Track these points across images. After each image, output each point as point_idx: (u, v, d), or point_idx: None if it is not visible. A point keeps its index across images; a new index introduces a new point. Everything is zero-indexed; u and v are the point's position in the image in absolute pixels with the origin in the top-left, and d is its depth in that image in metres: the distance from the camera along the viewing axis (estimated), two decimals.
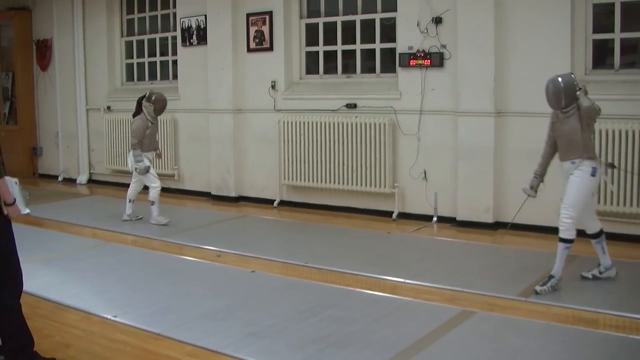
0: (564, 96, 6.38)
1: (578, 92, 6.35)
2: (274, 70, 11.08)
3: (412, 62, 9.57)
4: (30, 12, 14.94)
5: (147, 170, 9.59)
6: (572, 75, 6.51)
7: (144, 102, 9.71)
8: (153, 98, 9.68)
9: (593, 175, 6.39)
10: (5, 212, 4.53)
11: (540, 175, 6.95)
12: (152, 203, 9.71)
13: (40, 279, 7.03)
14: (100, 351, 5.22)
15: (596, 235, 6.66)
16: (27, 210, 4.70)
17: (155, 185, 9.66)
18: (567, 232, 6.39)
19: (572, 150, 6.47)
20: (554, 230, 8.57)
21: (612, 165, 6.94)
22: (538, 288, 6.33)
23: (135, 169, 9.62)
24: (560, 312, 5.88)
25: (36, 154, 15.23)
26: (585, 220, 6.63)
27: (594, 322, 5.65)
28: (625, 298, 6.17)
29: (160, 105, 9.74)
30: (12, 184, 4.59)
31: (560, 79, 6.39)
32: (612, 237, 7.87)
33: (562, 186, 6.60)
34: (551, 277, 6.39)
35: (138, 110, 9.78)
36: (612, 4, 8.44)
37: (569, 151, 6.51)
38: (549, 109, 8.57)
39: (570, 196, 6.40)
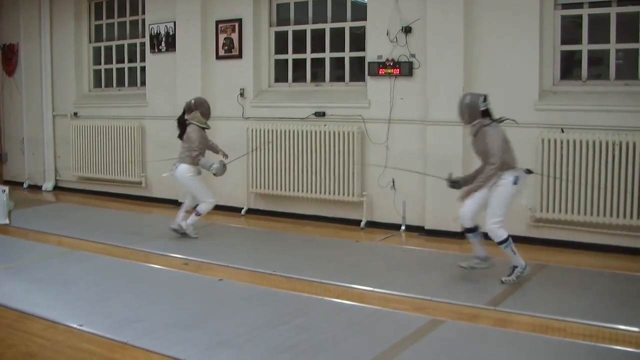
0: (467, 113, 7.02)
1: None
2: (243, 77, 11.06)
3: (381, 71, 9.59)
4: None
5: (224, 166, 9.06)
6: (481, 97, 7.00)
7: (186, 116, 9.19)
8: (192, 104, 9.20)
9: (515, 183, 6.87)
10: None
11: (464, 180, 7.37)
12: (198, 214, 9.21)
13: (5, 287, 6.93)
14: None
15: (471, 230, 7.13)
16: (6, 221, 4.60)
17: (211, 201, 9.17)
18: (498, 237, 6.90)
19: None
20: (522, 240, 8.69)
21: (529, 171, 7.31)
22: (504, 278, 6.94)
23: (214, 174, 9.06)
24: (529, 320, 5.90)
25: (1, 160, 15.03)
26: (473, 213, 7.07)
27: (562, 330, 5.68)
28: (593, 307, 6.20)
29: (204, 108, 9.21)
30: None
31: (468, 97, 7.09)
32: (600, 248, 8.19)
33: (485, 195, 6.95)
34: (515, 267, 6.99)
35: (183, 129, 9.25)
36: (580, 16, 8.54)
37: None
38: (516, 118, 8.67)
39: (494, 206, 6.88)
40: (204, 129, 9.24)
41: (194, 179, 9.13)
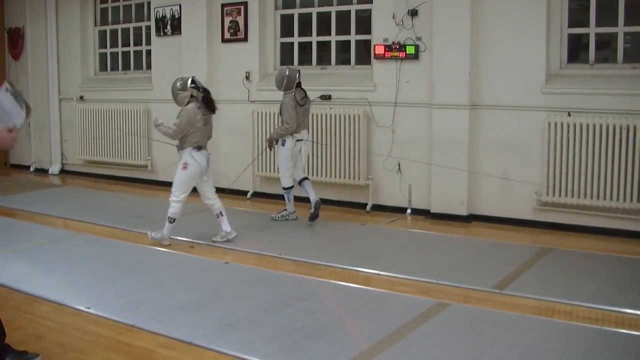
0: (285, 83, 8.88)
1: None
2: (249, 61, 11.03)
3: (387, 54, 9.56)
4: None
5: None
6: (298, 72, 8.97)
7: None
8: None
9: (283, 145, 8.97)
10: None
11: None
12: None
13: (12, 270, 6.96)
14: (74, 343, 5.16)
15: (289, 188, 9.19)
16: (23, 116, 4.50)
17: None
18: (283, 184, 9.21)
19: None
20: (527, 223, 8.70)
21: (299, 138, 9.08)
22: (273, 215, 9.35)
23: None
24: (535, 304, 5.91)
25: None
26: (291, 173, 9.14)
27: (568, 314, 5.69)
28: (599, 290, 6.20)
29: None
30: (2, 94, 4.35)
31: (287, 70, 8.92)
32: (606, 232, 8.18)
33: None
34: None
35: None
36: None
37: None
38: (523, 102, 8.70)
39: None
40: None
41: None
